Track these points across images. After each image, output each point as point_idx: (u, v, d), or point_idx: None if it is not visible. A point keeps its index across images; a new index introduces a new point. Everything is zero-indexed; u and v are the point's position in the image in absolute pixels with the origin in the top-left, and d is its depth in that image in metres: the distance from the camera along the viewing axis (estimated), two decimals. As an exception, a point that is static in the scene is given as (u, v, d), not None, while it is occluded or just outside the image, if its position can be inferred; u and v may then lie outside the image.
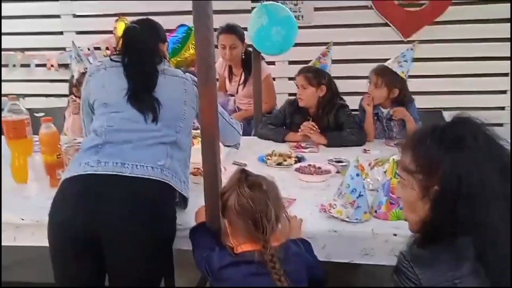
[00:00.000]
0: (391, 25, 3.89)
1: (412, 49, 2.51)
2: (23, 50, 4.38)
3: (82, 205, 1.40)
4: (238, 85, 3.26)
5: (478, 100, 3.94)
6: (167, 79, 1.63)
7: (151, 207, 1.43)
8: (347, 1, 3.91)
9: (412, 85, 3.77)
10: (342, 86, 3.11)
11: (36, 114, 2.05)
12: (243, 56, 3.15)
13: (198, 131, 2.37)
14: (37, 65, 4.36)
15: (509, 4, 3.65)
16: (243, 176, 1.32)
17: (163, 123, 1.56)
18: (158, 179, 1.47)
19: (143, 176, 1.44)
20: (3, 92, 4.23)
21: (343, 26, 3.98)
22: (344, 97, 2.78)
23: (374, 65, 2.65)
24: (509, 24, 3.74)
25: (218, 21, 3.72)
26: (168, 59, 1.78)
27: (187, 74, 1.71)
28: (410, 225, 1.09)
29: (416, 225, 1.05)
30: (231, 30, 3.10)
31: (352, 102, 2.78)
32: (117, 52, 1.66)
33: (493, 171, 0.95)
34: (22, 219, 1.64)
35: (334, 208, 1.58)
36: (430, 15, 3.79)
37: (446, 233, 0.95)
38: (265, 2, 2.79)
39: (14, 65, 4.38)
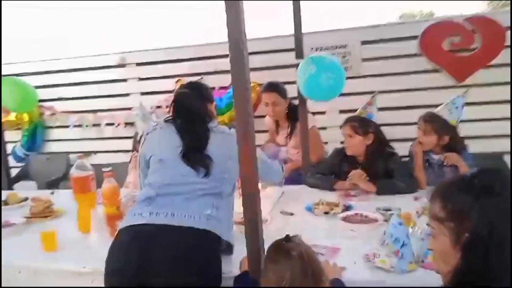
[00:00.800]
0: (443, 70, 3.84)
1: (463, 96, 2.48)
2: (95, 111, 4.85)
3: (134, 254, 1.51)
4: (286, 137, 3.34)
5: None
6: (216, 136, 1.78)
7: (198, 256, 1.52)
8: (395, 50, 3.96)
9: (472, 129, 3.71)
10: (392, 133, 3.13)
11: (104, 169, 2.25)
12: (287, 111, 3.25)
13: None
14: (107, 124, 4.78)
15: None
16: (280, 241, 1.34)
17: (212, 177, 1.69)
18: (204, 228, 1.57)
19: (192, 226, 1.55)
20: (78, 149, 4.71)
21: (391, 74, 4.00)
22: (395, 144, 2.77)
23: (425, 110, 2.65)
24: None
25: (263, 76, 3.99)
26: (215, 117, 1.94)
27: (232, 129, 1.84)
28: (443, 277, 1.07)
29: (448, 276, 1.03)
30: (272, 88, 3.25)
31: (403, 149, 2.76)
32: (170, 114, 1.85)
33: None
34: (84, 267, 1.78)
35: (377, 257, 1.56)
36: (482, 59, 3.72)
37: (478, 282, 0.93)
38: (312, 55, 2.94)
39: (86, 126, 4.84)
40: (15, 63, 4.95)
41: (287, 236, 1.33)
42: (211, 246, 1.60)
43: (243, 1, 1.46)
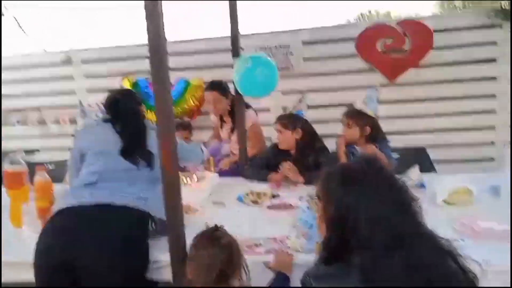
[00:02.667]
0: (376, 70, 4.11)
1: (377, 90, 2.70)
2: (39, 109, 4.79)
3: (65, 233, 1.62)
4: (229, 132, 3.46)
5: (466, 137, 4.05)
6: (151, 132, 1.95)
7: (125, 232, 1.64)
8: (335, 50, 4.19)
9: (398, 124, 3.99)
10: (329, 129, 3.32)
11: (48, 167, 2.29)
12: (230, 108, 3.36)
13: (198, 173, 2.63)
14: (52, 122, 4.74)
15: (487, 47, 3.86)
16: (210, 230, 1.51)
17: (153, 168, 1.86)
18: (135, 207, 1.71)
19: (124, 205, 1.69)
20: (23, 147, 4.64)
21: (331, 73, 4.22)
22: (331, 140, 2.96)
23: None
24: (491, 64, 3.93)
25: (204, 75, 4.11)
26: (146, 117, 2.13)
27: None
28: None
29: (321, 245, 1.20)
30: (212, 86, 3.38)
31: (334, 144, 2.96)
32: (104, 113, 2.05)
33: (381, 203, 1.09)
34: (15, 259, 1.84)
35: (289, 239, 1.72)
36: (412, 59, 4.01)
37: (340, 253, 1.09)
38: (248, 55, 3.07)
39: (31, 124, 4.78)
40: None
41: (216, 226, 1.49)
42: (140, 223, 1.73)
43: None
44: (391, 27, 4.06)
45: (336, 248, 1.12)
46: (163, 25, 1.57)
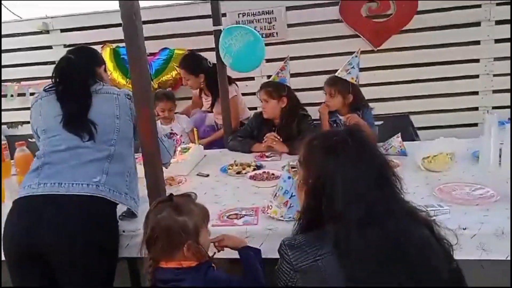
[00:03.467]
0: (361, 36, 4.06)
1: (356, 56, 2.70)
2: (19, 80, 4.67)
3: (23, 225, 1.56)
4: (211, 104, 3.44)
5: (450, 103, 4.08)
6: (100, 97, 1.77)
7: (84, 223, 1.56)
8: (318, 16, 4.11)
9: (383, 91, 3.99)
10: (311, 97, 3.31)
11: (30, 140, 2.23)
12: (206, 82, 3.36)
13: (182, 145, 2.62)
14: (31, 94, 4.62)
15: (472, 10, 3.83)
16: (160, 200, 1.42)
17: (97, 139, 1.70)
18: (94, 195, 1.60)
19: (79, 194, 1.59)
20: (4, 120, 4.54)
21: (316, 40, 4.16)
22: (309, 108, 2.96)
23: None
24: (475, 28, 3.90)
25: (184, 42, 4.02)
26: (104, 79, 1.92)
27: (121, 89, 1.86)
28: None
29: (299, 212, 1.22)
30: (180, 63, 3.43)
31: (316, 112, 2.96)
32: (53, 82, 1.81)
33: (359, 177, 1.11)
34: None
35: (270, 208, 1.74)
36: (397, 24, 3.96)
37: (316, 221, 1.11)
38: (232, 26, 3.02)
39: (12, 95, 4.67)
40: None
41: (171, 195, 1.41)
42: (103, 211, 1.64)
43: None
44: (375, -9, 3.98)
45: (313, 216, 1.14)
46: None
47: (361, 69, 2.83)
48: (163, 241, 1.31)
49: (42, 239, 1.53)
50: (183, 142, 3.09)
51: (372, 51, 4.04)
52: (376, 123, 2.82)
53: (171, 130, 3.33)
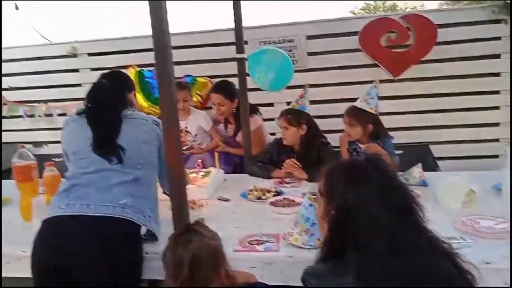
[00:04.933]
0: (380, 65, 4.11)
1: (375, 86, 2.73)
2: (46, 101, 4.84)
3: (52, 244, 1.62)
4: (233, 133, 3.49)
5: (470, 134, 4.06)
6: (129, 122, 1.84)
7: (111, 243, 1.61)
8: (338, 44, 4.20)
9: (402, 120, 4.01)
10: (331, 124, 3.35)
11: (54, 159, 2.30)
12: (235, 110, 3.36)
13: (196, 169, 2.66)
14: (59, 115, 4.78)
15: (491, 42, 3.85)
16: (181, 231, 1.41)
17: (125, 163, 1.76)
18: (120, 216, 1.65)
19: (106, 215, 1.64)
20: (29, 140, 4.68)
21: (335, 68, 4.23)
22: (329, 135, 3.00)
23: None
24: (495, 60, 3.92)
25: (206, 69, 4.12)
26: (134, 105, 2.00)
27: (149, 115, 1.93)
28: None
29: (322, 241, 1.24)
30: (218, 89, 3.38)
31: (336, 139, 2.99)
32: (84, 106, 1.90)
33: (382, 208, 1.12)
34: (23, 251, 1.88)
35: (291, 235, 1.76)
36: (416, 55, 4.01)
37: (338, 250, 1.13)
38: (259, 50, 3.11)
39: (39, 116, 4.83)
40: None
41: (187, 224, 1.42)
42: (128, 233, 1.68)
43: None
44: (395, 21, 4.06)
45: (335, 246, 1.16)
46: (167, 20, 1.61)
47: (380, 98, 2.86)
48: (204, 269, 1.30)
49: (70, 258, 1.58)
50: (195, 142, 3.14)
51: (391, 81, 4.09)
52: (396, 152, 2.83)
53: (185, 127, 3.32)
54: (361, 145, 2.79)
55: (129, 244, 1.69)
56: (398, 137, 2.98)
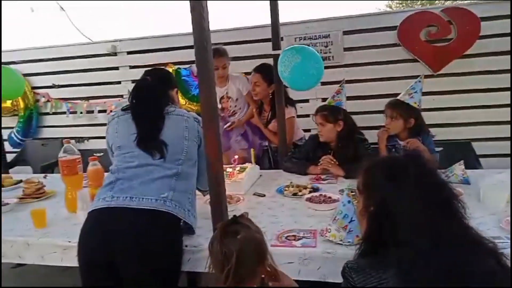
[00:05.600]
0: (420, 60, 4.00)
1: (420, 81, 2.66)
2: (88, 98, 5.01)
3: (97, 234, 1.69)
4: (266, 120, 3.48)
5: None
6: (171, 119, 1.90)
7: (154, 234, 1.67)
8: (376, 39, 4.12)
9: (442, 116, 3.89)
10: (368, 120, 3.30)
11: (96, 154, 2.39)
12: (271, 96, 3.35)
13: (232, 165, 2.68)
14: (99, 111, 4.95)
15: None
16: (228, 222, 1.40)
17: (167, 158, 1.82)
18: (161, 209, 1.70)
19: (148, 208, 1.69)
20: (72, 135, 4.86)
21: (372, 63, 4.16)
22: (368, 132, 2.95)
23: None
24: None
25: (242, 66, 4.13)
26: (176, 101, 2.05)
27: (190, 113, 1.98)
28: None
29: (361, 237, 1.23)
30: (258, 69, 3.37)
31: (373, 136, 2.94)
32: (129, 102, 1.96)
33: (423, 204, 1.10)
34: (69, 241, 1.97)
35: (329, 232, 1.75)
36: (458, 49, 3.88)
37: (378, 246, 1.12)
38: (290, 46, 3.08)
39: (81, 112, 5.01)
40: (6, 51, 5.08)
41: (234, 216, 1.42)
42: (169, 225, 1.73)
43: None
44: (435, 14, 3.93)
45: (375, 241, 1.15)
46: (207, 18, 1.63)
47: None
48: (250, 261, 1.31)
49: (113, 248, 1.64)
50: (236, 107, 3.22)
51: (431, 76, 3.97)
52: (436, 149, 2.75)
53: (226, 93, 3.30)
54: (400, 142, 2.74)
55: (170, 236, 1.74)
56: (439, 134, 2.89)
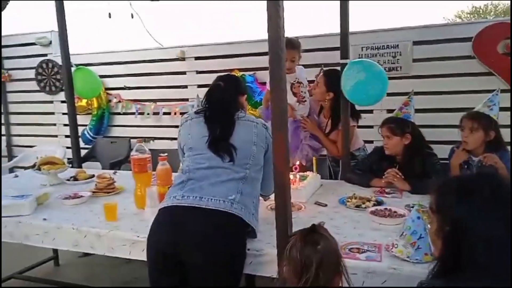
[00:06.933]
0: (495, 74, 3.79)
1: (497, 94, 2.53)
2: (155, 101, 5.25)
3: (168, 230, 1.77)
4: (324, 128, 3.42)
5: None
6: (241, 124, 1.96)
7: (221, 234, 1.73)
8: (448, 51, 3.96)
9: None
10: (437, 134, 3.16)
11: (161, 154, 2.50)
12: (332, 102, 3.25)
13: (294, 172, 2.68)
14: (164, 113, 5.16)
15: None
16: (307, 231, 1.42)
17: (236, 162, 1.87)
18: (228, 211, 1.76)
19: (217, 209, 1.75)
20: (139, 135, 5.10)
21: (442, 76, 4.00)
22: (436, 146, 2.83)
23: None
24: None
25: (311, 73, 4.08)
26: (245, 107, 2.10)
27: (258, 119, 2.04)
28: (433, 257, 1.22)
29: (435, 258, 1.18)
30: (324, 72, 3.33)
31: (444, 151, 2.82)
32: (202, 105, 2.05)
33: (501, 224, 1.06)
34: (137, 236, 2.07)
35: (395, 247, 1.70)
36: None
37: (454, 267, 1.08)
38: (359, 59, 3.05)
39: (148, 114, 5.25)
40: (84, 53, 5.43)
41: (313, 225, 1.43)
42: (235, 227, 1.78)
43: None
44: (516, 26, 3.71)
45: (450, 263, 1.11)
46: (283, 26, 1.65)
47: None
48: (329, 271, 1.33)
49: (181, 244, 1.72)
50: (307, 94, 3.18)
51: (508, 90, 3.74)
52: (513, 168, 2.59)
53: (296, 79, 3.23)
54: (474, 158, 2.59)
55: (235, 238, 1.78)
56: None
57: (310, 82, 3.42)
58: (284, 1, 1.64)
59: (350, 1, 2.98)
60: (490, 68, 3.81)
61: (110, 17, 5.21)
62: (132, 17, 5.48)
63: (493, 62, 3.78)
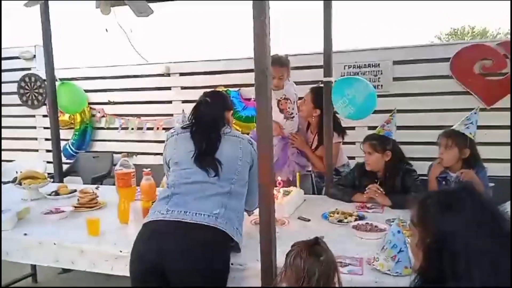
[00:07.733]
0: (472, 93, 3.93)
1: (476, 113, 2.61)
2: (139, 116, 5.24)
3: (152, 244, 1.76)
4: (311, 143, 3.47)
5: None
6: (227, 139, 1.98)
7: (205, 249, 1.73)
8: (427, 71, 4.09)
9: (495, 152, 3.76)
10: (415, 151, 3.24)
11: (144, 169, 2.50)
12: (320, 121, 3.28)
13: (277, 187, 2.71)
14: (147, 128, 5.16)
15: None
16: (312, 243, 1.49)
17: (221, 176, 1.89)
18: (213, 225, 1.77)
19: (201, 223, 1.76)
20: (122, 150, 5.07)
21: (422, 94, 4.12)
22: (414, 162, 2.91)
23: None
24: None
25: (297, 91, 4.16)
26: (231, 123, 2.13)
27: (244, 135, 2.07)
28: (414, 269, 1.25)
29: (416, 270, 1.21)
30: (311, 90, 3.38)
31: (421, 167, 2.89)
32: (188, 121, 2.07)
33: (481, 235, 1.10)
34: (120, 251, 2.06)
35: (376, 261, 1.73)
36: (513, 83, 3.77)
37: (435, 279, 1.11)
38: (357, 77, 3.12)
39: (132, 128, 5.24)
40: (68, 68, 5.40)
41: (317, 238, 1.49)
42: (219, 241, 1.79)
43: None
44: (491, 47, 3.87)
45: (432, 275, 1.14)
46: (269, 46, 1.69)
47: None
48: (328, 283, 1.41)
49: (165, 258, 1.71)
50: (294, 110, 3.23)
51: (484, 109, 3.87)
52: (490, 184, 2.67)
53: (284, 95, 3.25)
54: (452, 174, 2.67)
55: (219, 252, 1.79)
56: (492, 169, 2.81)
57: (300, 98, 3.47)
58: (270, 20, 1.68)
59: (333, 22, 3.06)
60: (467, 88, 3.94)
61: (107, 31, 5.19)
62: (107, 31, 5.41)
63: (470, 81, 3.92)
